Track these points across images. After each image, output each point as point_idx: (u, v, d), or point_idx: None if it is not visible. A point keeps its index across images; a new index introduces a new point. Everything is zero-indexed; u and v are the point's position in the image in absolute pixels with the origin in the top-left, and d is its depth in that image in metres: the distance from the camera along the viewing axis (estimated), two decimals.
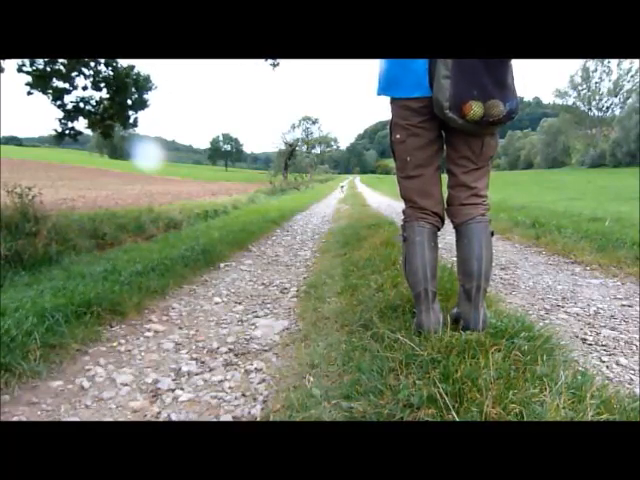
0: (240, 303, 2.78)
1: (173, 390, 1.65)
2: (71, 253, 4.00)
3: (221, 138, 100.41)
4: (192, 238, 4.54)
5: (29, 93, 7.50)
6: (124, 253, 3.84)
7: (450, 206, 1.72)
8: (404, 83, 1.60)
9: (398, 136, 1.66)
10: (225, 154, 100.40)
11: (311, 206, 11.74)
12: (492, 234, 1.68)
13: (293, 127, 50.72)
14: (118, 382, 1.70)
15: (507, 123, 1.53)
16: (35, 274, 3.25)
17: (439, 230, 1.74)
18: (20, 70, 7.29)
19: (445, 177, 1.74)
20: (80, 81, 7.88)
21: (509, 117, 1.48)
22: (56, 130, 8.18)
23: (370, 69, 1.78)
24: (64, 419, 1.45)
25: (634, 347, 1.90)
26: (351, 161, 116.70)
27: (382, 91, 1.69)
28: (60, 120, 8.10)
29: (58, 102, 7.88)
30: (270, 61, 7.44)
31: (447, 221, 1.76)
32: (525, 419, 1.09)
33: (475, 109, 1.44)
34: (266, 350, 2.02)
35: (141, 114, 8.95)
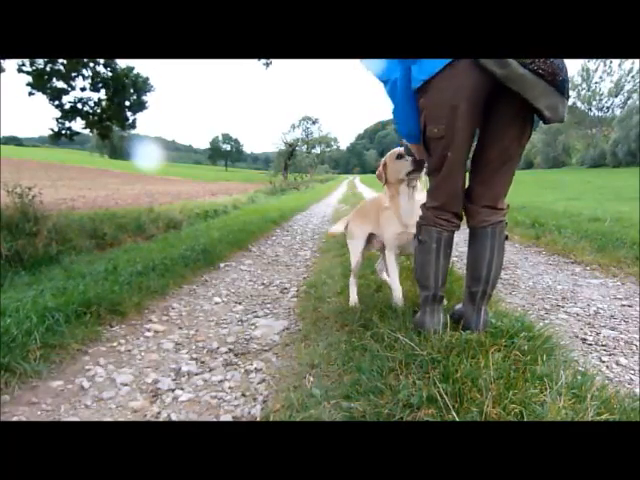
0: (240, 303, 2.77)
1: (173, 390, 1.66)
2: (71, 253, 4.01)
3: (221, 138, 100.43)
4: (192, 238, 4.54)
5: (30, 94, 7.51)
6: (124, 253, 3.84)
7: (470, 204, 1.64)
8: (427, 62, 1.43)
9: (436, 130, 1.49)
10: (225, 154, 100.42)
11: (311, 206, 11.72)
12: (506, 238, 1.67)
13: (293, 127, 50.76)
14: (118, 382, 1.70)
15: (563, 95, 1.33)
16: (35, 274, 3.26)
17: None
18: (20, 70, 7.30)
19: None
20: (79, 82, 7.90)
21: (564, 83, 1.30)
22: (52, 129, 8.20)
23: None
24: (64, 419, 1.45)
25: (634, 347, 1.90)
26: (351, 161, 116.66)
27: (417, 81, 1.49)
28: (57, 120, 8.12)
29: (56, 102, 7.89)
30: (263, 60, 7.36)
31: None
32: (525, 419, 1.09)
33: None
34: (266, 350, 2.02)
35: (141, 114, 8.94)
